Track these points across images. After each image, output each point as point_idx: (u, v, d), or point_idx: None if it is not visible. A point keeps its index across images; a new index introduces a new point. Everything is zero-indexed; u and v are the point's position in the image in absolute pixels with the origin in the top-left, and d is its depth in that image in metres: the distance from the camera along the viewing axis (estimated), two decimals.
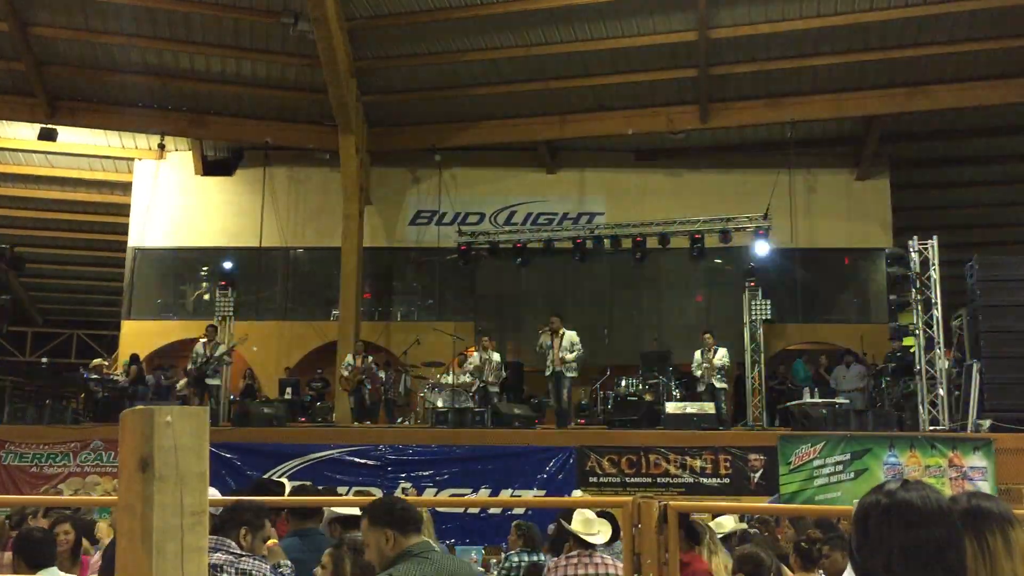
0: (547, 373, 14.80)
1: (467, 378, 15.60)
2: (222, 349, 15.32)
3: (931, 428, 13.76)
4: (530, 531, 6.82)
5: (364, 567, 3.72)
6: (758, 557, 4.48)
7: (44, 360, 18.12)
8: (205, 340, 15.42)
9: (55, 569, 5.01)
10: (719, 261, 20.06)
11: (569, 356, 14.56)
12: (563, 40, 17.85)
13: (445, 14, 17.41)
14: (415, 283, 22.07)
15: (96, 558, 6.49)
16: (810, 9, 16.82)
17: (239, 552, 4.04)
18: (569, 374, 14.66)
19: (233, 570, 3.93)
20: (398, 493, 11.94)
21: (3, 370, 17.55)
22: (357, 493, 11.19)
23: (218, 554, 3.94)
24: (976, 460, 12.52)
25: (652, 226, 18.30)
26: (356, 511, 5.39)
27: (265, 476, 6.28)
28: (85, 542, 6.57)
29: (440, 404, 15.25)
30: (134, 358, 18.38)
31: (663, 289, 20.94)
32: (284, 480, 6.57)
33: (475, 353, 15.75)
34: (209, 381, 15.15)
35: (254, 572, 3.99)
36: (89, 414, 16.40)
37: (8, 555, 5.56)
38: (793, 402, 15.63)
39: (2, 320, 15.46)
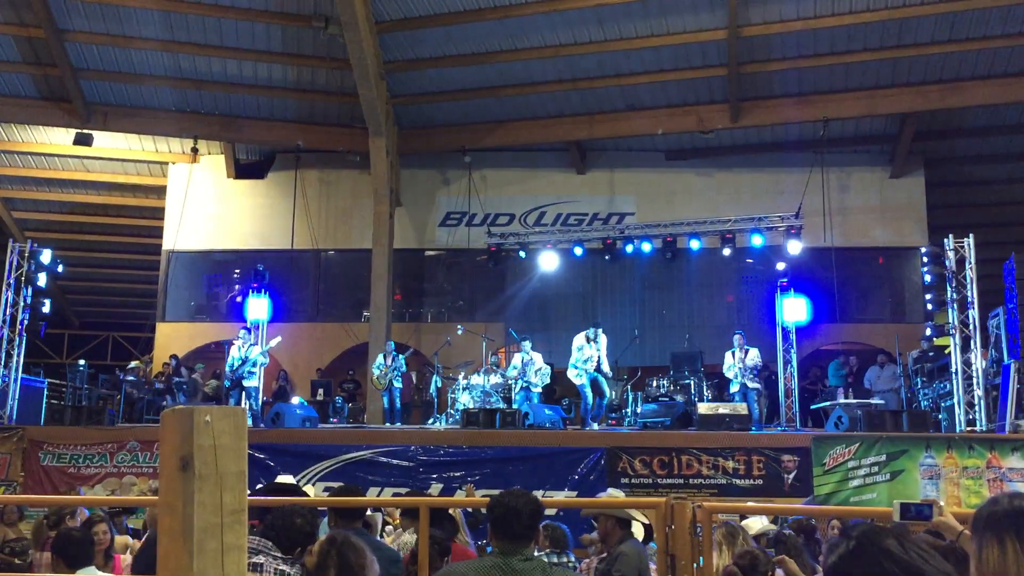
0: (582, 381, 14.85)
1: (498, 379, 15.61)
2: (256, 351, 15.37)
3: (968, 429, 13.58)
4: (556, 532, 6.81)
5: (350, 564, 3.69)
6: (754, 554, 4.61)
7: (81, 362, 18.35)
8: (240, 343, 15.45)
9: (93, 568, 5.08)
10: (751, 261, 19.91)
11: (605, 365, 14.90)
12: (593, 40, 17.81)
13: (475, 16, 17.43)
14: (445, 284, 22.12)
15: (127, 557, 6.59)
16: (843, 6, 16.66)
17: (280, 555, 4.08)
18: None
19: (273, 570, 3.97)
20: (458, 493, 11.93)
21: (41, 372, 17.81)
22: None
23: (259, 556, 3.98)
24: (1014, 461, 12.32)
25: (683, 226, 18.20)
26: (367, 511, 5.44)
27: (279, 480, 6.29)
28: (119, 540, 6.68)
29: (471, 405, 15.26)
30: (174, 358, 18.65)
31: (694, 289, 20.83)
32: (308, 488, 6.59)
33: (518, 354, 15.80)
34: (246, 383, 15.22)
35: (292, 573, 4.02)
36: (125, 415, 16.60)
37: (47, 555, 5.64)
38: (826, 403, 15.49)
39: (40, 323, 15.68)
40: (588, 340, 14.84)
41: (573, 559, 6.32)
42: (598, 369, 14.79)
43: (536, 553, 6.73)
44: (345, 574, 3.61)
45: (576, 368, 14.80)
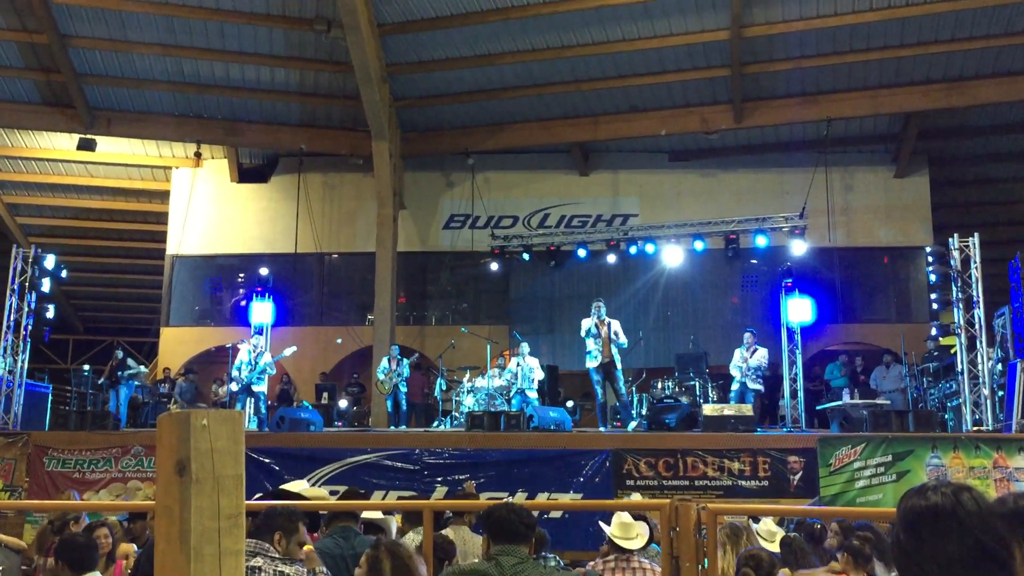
0: (595, 365, 14.58)
1: (503, 382, 15.59)
2: (266, 358, 15.24)
3: (974, 428, 13.52)
4: (536, 533, 6.75)
5: (402, 570, 3.72)
6: (759, 555, 4.64)
7: (86, 367, 18.39)
8: (250, 348, 15.32)
9: (97, 573, 5.07)
10: (755, 262, 19.88)
11: (622, 338, 14.39)
12: (595, 41, 17.80)
13: (477, 18, 17.42)
14: (449, 287, 22.12)
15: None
16: (845, 5, 16.61)
17: (277, 556, 4.06)
18: (619, 366, 14.50)
19: (272, 571, 3.95)
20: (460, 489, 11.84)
21: (46, 377, 17.84)
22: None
23: (257, 558, 3.96)
24: (1021, 461, 12.27)
25: (687, 227, 18.18)
26: (379, 515, 5.43)
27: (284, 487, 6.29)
28: (123, 546, 6.67)
29: (476, 408, 15.23)
30: (119, 350, 18.64)
31: (698, 291, 20.80)
32: (314, 489, 6.54)
33: (514, 358, 15.76)
34: (255, 388, 15.15)
35: (291, 574, 4.00)
36: (130, 420, 16.61)
37: (51, 560, 5.63)
38: (831, 403, 15.43)
39: (44, 328, 15.69)
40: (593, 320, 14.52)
41: (553, 560, 6.25)
42: (610, 356, 14.38)
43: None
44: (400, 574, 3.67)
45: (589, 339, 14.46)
